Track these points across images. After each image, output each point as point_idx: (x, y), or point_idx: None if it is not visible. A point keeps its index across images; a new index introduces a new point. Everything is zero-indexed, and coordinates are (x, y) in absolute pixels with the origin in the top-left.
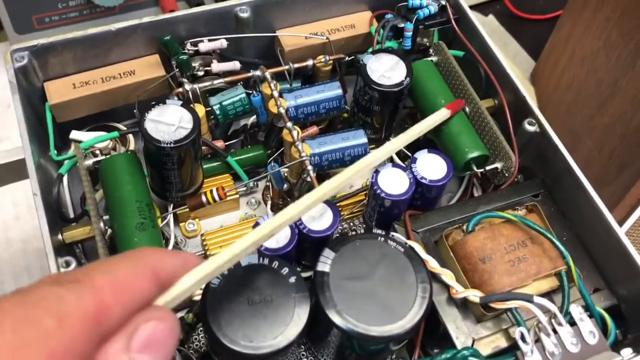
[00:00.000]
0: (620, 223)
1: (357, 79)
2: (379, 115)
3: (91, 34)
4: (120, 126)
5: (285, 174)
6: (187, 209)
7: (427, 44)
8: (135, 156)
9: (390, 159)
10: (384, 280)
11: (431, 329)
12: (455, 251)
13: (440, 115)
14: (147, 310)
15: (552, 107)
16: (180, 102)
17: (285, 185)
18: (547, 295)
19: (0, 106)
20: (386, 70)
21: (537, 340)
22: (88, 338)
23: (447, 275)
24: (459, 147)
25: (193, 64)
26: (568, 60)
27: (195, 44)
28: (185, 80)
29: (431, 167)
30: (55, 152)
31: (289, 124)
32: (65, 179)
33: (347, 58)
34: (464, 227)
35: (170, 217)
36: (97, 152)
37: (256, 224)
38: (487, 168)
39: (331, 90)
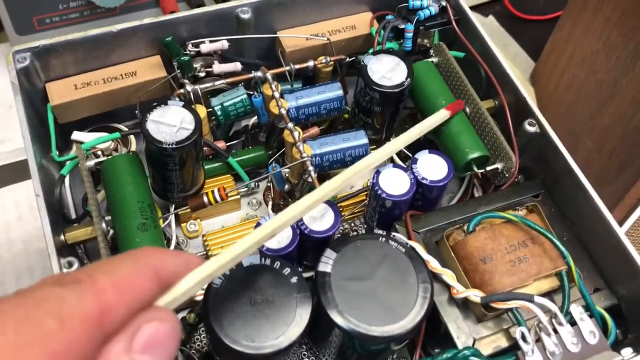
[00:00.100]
0: (620, 223)
1: (358, 79)
2: (380, 116)
3: (92, 35)
4: (122, 127)
5: (287, 175)
6: (189, 210)
7: (428, 45)
8: (136, 157)
9: (391, 160)
10: (385, 281)
11: (432, 328)
12: (456, 251)
13: (440, 116)
14: (148, 310)
15: (552, 107)
16: (182, 103)
17: (286, 186)
18: (548, 295)
19: (2, 107)
20: (387, 71)
21: (538, 340)
22: (89, 339)
23: (448, 276)
24: (459, 148)
25: (194, 65)
26: (568, 60)
27: (196, 45)
28: (186, 81)
29: (432, 167)
30: (57, 153)
31: (290, 125)
32: (67, 179)
33: (347, 59)
34: (465, 227)
35: (172, 218)
36: (99, 153)
37: (257, 225)
38: (488, 168)
39: (332, 91)
